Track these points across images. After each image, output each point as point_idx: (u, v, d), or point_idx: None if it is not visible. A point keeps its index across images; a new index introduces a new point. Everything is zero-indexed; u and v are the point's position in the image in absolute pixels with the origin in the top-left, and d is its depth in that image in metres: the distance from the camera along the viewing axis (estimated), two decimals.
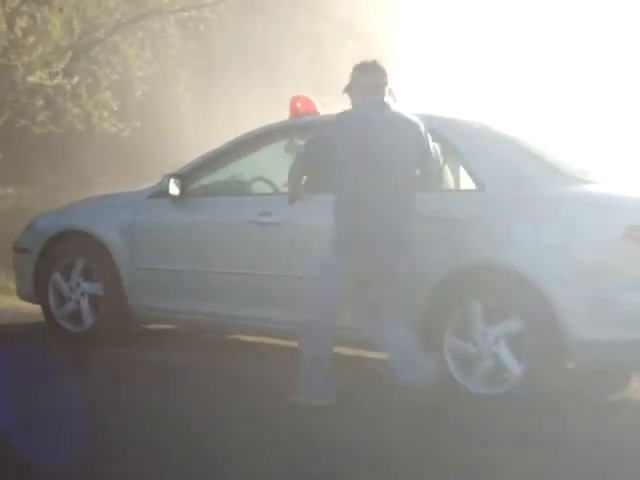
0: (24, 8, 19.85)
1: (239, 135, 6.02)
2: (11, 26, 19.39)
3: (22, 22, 19.46)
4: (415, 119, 4.81)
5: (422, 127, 4.79)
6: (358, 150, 4.64)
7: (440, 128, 5.33)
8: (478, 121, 5.45)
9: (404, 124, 4.75)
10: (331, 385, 4.77)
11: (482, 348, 4.83)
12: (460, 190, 5.42)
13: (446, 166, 5.39)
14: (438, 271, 4.97)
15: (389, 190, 4.67)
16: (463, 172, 5.34)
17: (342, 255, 4.70)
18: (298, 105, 5.94)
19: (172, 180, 5.87)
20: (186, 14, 25.57)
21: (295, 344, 4.99)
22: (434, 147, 4.87)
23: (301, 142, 5.43)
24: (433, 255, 5.00)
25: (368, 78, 4.81)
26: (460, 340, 4.92)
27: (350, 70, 4.91)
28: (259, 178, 6.05)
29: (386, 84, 4.85)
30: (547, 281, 4.69)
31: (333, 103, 7.30)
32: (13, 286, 7.98)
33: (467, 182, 5.24)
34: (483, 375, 4.85)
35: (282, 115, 5.92)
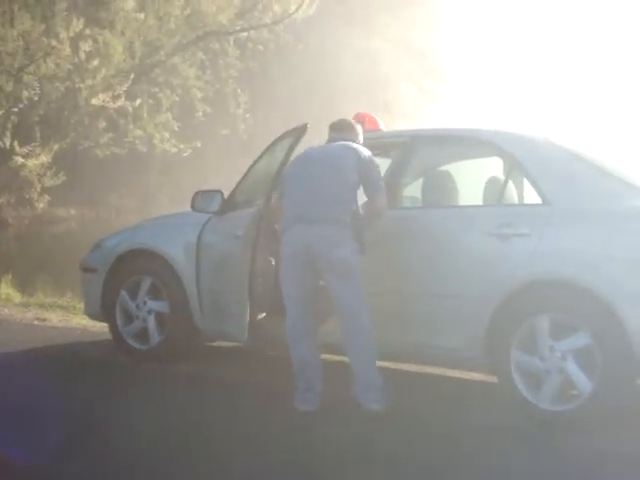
0: (87, 32, 20.21)
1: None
2: (75, 50, 19.76)
3: (85, 46, 19.82)
4: (357, 149, 5.19)
5: (362, 155, 5.14)
6: (302, 167, 5.26)
7: (503, 142, 5.33)
8: (541, 135, 5.40)
9: (344, 150, 5.20)
10: (312, 394, 5.00)
11: (550, 363, 4.75)
12: (525, 205, 5.40)
13: (510, 181, 5.37)
14: (504, 285, 4.93)
15: (324, 193, 5.04)
16: (527, 186, 5.32)
17: (285, 235, 5.06)
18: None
19: (210, 196, 6.11)
20: (245, 34, 25.80)
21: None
22: (376, 172, 5.17)
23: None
24: (498, 269, 4.98)
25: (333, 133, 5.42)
26: (527, 355, 4.86)
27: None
28: None
29: (351, 138, 5.33)
30: (617, 295, 4.59)
31: (388, 120, 7.29)
32: (79, 305, 8.14)
33: (532, 197, 5.19)
34: (551, 391, 4.77)
35: None
